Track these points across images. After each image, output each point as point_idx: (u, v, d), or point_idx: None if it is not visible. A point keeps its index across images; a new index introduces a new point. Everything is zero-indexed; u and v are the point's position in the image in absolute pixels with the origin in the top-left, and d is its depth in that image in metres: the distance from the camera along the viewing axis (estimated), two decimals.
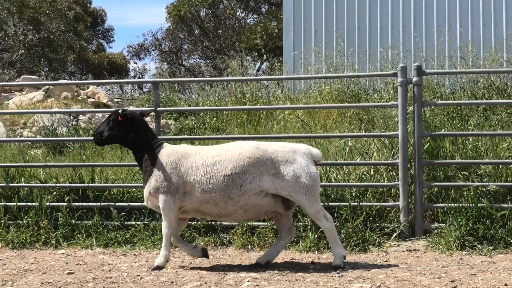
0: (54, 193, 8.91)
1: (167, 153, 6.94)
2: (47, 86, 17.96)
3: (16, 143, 12.34)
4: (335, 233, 7.02)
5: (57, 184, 8.90)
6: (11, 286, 6.28)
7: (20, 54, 36.35)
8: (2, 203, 8.70)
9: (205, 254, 7.21)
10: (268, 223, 8.21)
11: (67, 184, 8.95)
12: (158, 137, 7.48)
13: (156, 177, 6.87)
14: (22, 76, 22.60)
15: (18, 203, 8.72)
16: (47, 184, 8.94)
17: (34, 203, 8.69)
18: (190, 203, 6.88)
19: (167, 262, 6.98)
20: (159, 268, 6.92)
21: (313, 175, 6.89)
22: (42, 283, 6.34)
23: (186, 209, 6.95)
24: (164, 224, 6.93)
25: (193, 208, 6.94)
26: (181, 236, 7.81)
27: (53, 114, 14.47)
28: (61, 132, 14.06)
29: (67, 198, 8.74)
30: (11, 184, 8.99)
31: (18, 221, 8.58)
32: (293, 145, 7.15)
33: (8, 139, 13.31)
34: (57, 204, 8.70)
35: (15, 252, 8.08)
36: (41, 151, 12.92)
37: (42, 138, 13.41)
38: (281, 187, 6.82)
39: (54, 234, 8.38)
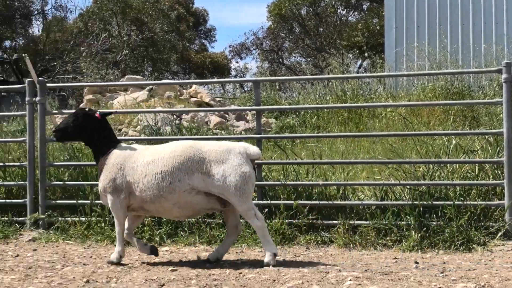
0: None
1: (116, 154, 7.18)
2: (150, 86, 18.31)
3: None
4: (266, 232, 7.13)
5: None
6: (116, 283, 6.41)
7: (124, 54, 37.24)
8: None
9: (153, 252, 7.36)
10: (370, 222, 8.12)
11: None
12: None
13: (104, 177, 7.15)
14: (126, 76, 23.15)
15: None
16: None
17: None
18: (135, 202, 7.11)
19: (121, 257, 7.23)
20: (112, 263, 7.18)
21: (244, 175, 7.00)
22: (146, 280, 6.44)
23: (133, 207, 7.18)
24: (115, 223, 7.24)
25: (137, 206, 7.16)
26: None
27: (157, 113, 14.72)
28: (164, 131, 14.28)
29: None
30: None
31: None
32: (229, 144, 7.28)
33: None
34: None
35: None
36: None
37: (146, 137, 13.66)
38: (212, 185, 6.97)
39: (158, 231, 8.50)
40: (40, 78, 9.49)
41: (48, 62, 36.15)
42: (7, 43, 40.86)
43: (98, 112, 7.39)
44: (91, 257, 7.70)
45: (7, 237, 8.78)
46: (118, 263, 7.20)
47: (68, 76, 33.35)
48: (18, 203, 9.44)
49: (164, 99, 17.46)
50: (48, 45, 37.39)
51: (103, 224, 8.66)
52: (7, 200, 9.51)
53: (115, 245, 7.34)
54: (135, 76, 25.70)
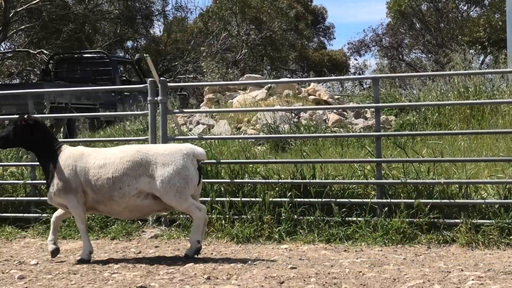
0: (277, 189, 9.07)
1: (65, 156, 7.40)
2: (269, 85, 18.42)
3: (240, 140, 12.74)
4: (202, 224, 7.40)
5: (280, 180, 9.06)
6: (236, 280, 6.47)
7: (243, 53, 37.64)
8: (228, 199, 8.98)
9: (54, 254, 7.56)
10: (493, 221, 7.89)
11: (289, 180, 9.08)
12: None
13: (58, 179, 7.33)
14: (245, 75, 23.37)
15: (243, 199, 8.98)
16: (270, 180, 9.13)
17: (257, 199, 8.91)
18: (88, 201, 7.37)
19: (91, 254, 7.49)
20: (84, 261, 7.38)
21: (186, 176, 7.25)
22: (266, 277, 6.48)
23: (87, 206, 7.43)
24: (76, 221, 7.51)
25: (90, 206, 7.43)
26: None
27: (275, 111, 14.79)
28: (283, 129, 14.36)
29: (289, 194, 8.87)
30: (235, 180, 9.27)
31: (243, 216, 8.82)
32: (175, 147, 7.50)
33: (232, 136, 13.81)
34: (279, 199, 8.85)
35: (240, 247, 8.31)
36: (264, 147, 13.26)
37: (265, 135, 13.77)
38: (155, 188, 7.21)
39: (277, 229, 8.54)
40: (161, 78, 9.69)
41: (169, 62, 37.01)
42: (129, 43, 42.08)
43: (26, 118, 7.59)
44: (211, 254, 7.81)
45: (130, 234, 9.03)
46: (89, 260, 7.42)
47: (189, 76, 34.04)
48: None
49: (283, 97, 17.52)
50: (169, 45, 38.28)
51: (223, 222, 8.77)
52: None
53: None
54: (254, 75, 25.96)
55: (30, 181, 9.79)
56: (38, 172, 9.85)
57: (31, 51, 33.23)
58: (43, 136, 7.56)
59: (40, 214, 9.43)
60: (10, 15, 29.99)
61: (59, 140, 8.08)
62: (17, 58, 38.78)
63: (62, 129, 14.33)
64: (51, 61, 24.93)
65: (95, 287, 6.33)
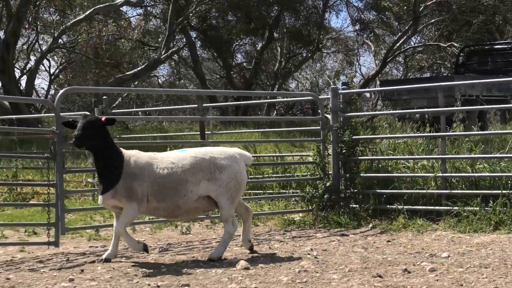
0: None
1: (132, 161, 7.30)
2: None
3: None
4: (230, 239, 7.74)
5: None
6: None
7: None
8: None
9: (145, 249, 7.60)
10: None
11: None
12: None
13: (124, 185, 7.20)
14: None
15: None
16: None
17: None
18: (148, 209, 7.44)
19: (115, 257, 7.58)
20: (108, 260, 7.46)
21: (241, 181, 7.61)
22: None
23: (142, 211, 7.49)
24: (123, 225, 7.37)
25: (144, 211, 7.54)
26: None
27: None
28: None
29: None
30: None
31: None
32: (229, 150, 7.74)
33: None
34: None
35: None
36: None
37: None
38: (212, 190, 7.47)
39: None
40: None
41: None
42: None
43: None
44: None
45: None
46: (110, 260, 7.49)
47: None
48: None
49: None
50: None
51: None
52: None
53: None
54: None
55: (441, 174, 9.85)
56: (448, 165, 9.91)
57: (441, 44, 33.54)
58: (109, 138, 7.47)
59: (451, 207, 9.44)
60: (420, 9, 30.52)
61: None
62: (427, 52, 39.47)
63: (473, 122, 14.22)
64: (461, 54, 24.91)
65: (506, 281, 6.15)
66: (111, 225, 9.32)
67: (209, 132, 13.34)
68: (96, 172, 7.54)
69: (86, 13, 29.33)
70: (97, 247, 8.63)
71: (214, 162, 7.59)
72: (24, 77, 33.85)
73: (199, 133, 10.32)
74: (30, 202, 12.59)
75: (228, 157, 7.68)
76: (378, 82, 33.61)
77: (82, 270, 7.05)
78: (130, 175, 7.28)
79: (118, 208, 7.48)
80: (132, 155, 7.44)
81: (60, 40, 32.28)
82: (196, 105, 10.12)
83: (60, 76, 40.23)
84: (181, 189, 7.42)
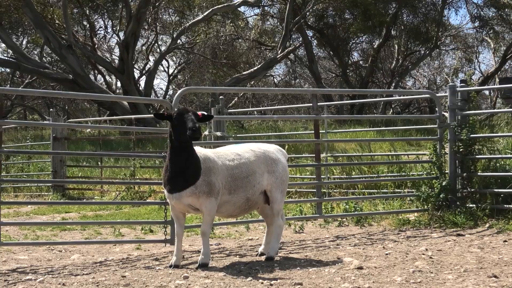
0: None
1: (203, 156, 7.06)
2: None
3: None
4: (282, 232, 7.73)
5: None
6: None
7: None
8: None
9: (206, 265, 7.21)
10: None
11: None
12: None
13: (203, 180, 6.95)
14: None
15: None
16: None
17: None
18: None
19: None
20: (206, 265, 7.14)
21: (288, 174, 7.70)
22: None
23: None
24: (209, 223, 7.11)
25: None
26: None
27: None
28: None
29: None
30: None
31: None
32: (271, 145, 7.80)
33: None
34: None
35: None
36: None
37: None
38: (270, 183, 7.47)
39: None
40: None
41: None
42: None
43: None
44: None
45: None
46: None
47: None
48: None
49: None
50: None
51: None
52: None
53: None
54: None
55: None
56: None
57: None
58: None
59: None
60: None
61: None
62: None
63: None
64: None
65: None
66: (226, 224, 9.48)
67: (324, 131, 13.27)
68: (172, 169, 6.99)
69: (205, 13, 29.84)
70: (211, 244, 8.75)
71: (268, 155, 7.60)
72: (143, 78, 34.76)
73: (313, 132, 10.32)
74: (147, 200, 12.91)
75: (276, 151, 7.73)
76: (497, 80, 32.69)
77: (197, 268, 7.16)
78: (207, 170, 7.02)
79: (191, 208, 7.16)
80: (198, 151, 7.15)
81: (178, 41, 32.97)
82: (311, 104, 10.06)
83: (178, 76, 41.13)
84: (251, 180, 7.37)
